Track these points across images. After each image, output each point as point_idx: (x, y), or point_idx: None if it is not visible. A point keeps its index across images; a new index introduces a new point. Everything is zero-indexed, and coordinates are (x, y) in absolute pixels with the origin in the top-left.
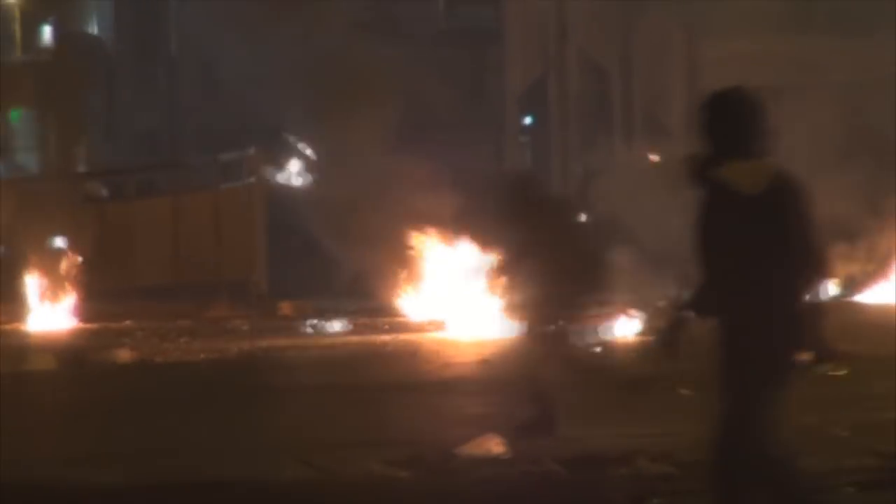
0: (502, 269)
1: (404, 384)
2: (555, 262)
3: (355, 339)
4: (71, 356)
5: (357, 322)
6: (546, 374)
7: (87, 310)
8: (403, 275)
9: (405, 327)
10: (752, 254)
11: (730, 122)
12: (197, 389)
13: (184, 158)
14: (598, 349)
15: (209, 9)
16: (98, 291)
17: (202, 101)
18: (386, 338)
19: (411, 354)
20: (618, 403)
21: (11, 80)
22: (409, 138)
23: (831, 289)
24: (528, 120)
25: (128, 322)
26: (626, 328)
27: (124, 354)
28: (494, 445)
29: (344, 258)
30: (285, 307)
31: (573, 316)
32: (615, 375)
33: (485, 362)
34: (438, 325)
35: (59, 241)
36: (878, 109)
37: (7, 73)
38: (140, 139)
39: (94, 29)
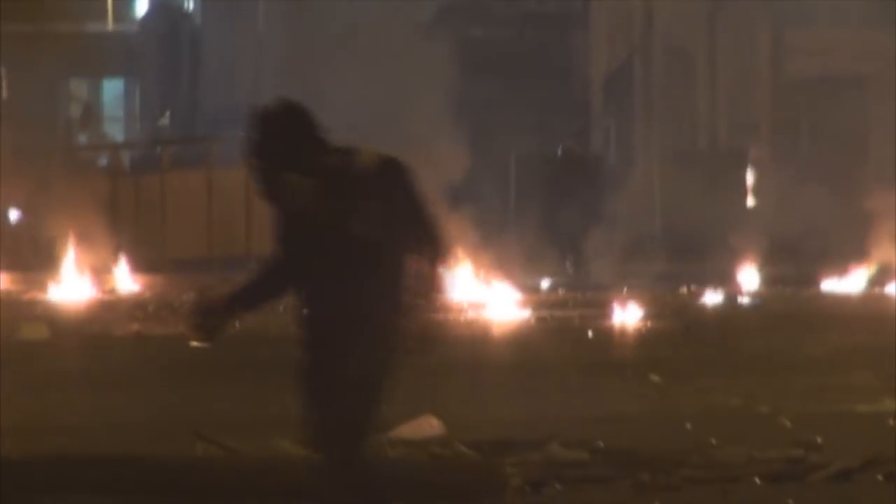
0: None
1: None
2: None
3: None
4: (67, 327)
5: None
6: None
7: (108, 280)
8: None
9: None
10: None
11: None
12: (165, 364)
13: (218, 133)
14: None
15: None
16: (132, 263)
17: (284, 76)
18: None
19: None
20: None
21: (101, 50)
22: (494, 117)
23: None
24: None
25: (147, 294)
26: None
27: (127, 327)
28: (429, 427)
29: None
30: None
31: None
32: None
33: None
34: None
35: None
36: None
37: (97, 44)
38: (224, 112)
39: (183, 1)
